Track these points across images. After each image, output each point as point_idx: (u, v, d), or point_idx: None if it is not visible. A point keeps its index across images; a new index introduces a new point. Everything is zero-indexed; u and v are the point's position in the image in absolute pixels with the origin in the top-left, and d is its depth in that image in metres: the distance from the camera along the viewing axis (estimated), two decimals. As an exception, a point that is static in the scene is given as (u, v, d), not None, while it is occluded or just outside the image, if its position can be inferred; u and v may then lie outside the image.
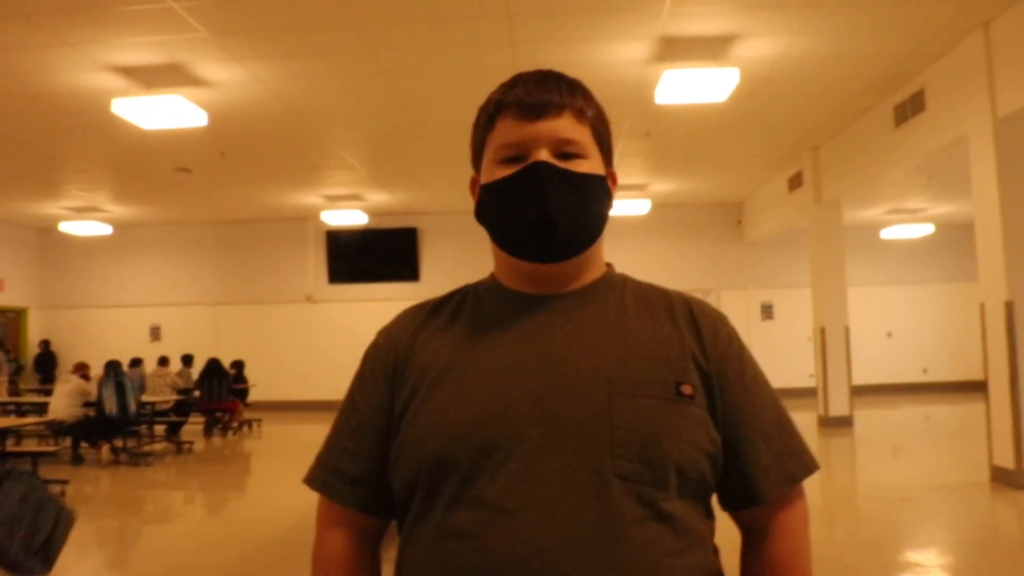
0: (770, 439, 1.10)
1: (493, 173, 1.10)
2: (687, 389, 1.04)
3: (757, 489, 1.08)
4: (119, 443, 9.52)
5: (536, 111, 1.07)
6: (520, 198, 1.07)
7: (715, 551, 1.08)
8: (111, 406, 9.11)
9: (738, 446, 1.08)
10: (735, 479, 1.09)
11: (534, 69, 1.14)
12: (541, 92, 1.08)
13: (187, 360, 13.07)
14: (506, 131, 1.09)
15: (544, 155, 1.06)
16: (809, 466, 1.12)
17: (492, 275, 1.20)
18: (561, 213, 1.06)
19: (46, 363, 15.40)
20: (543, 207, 1.05)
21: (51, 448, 8.95)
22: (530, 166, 1.06)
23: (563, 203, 1.06)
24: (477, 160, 1.17)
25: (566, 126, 1.08)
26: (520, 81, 1.11)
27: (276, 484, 8.29)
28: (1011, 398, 6.50)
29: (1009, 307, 6.50)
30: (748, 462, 1.08)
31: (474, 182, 1.19)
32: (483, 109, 1.14)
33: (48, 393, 11.75)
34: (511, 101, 1.09)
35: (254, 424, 12.95)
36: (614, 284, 1.16)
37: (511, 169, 1.08)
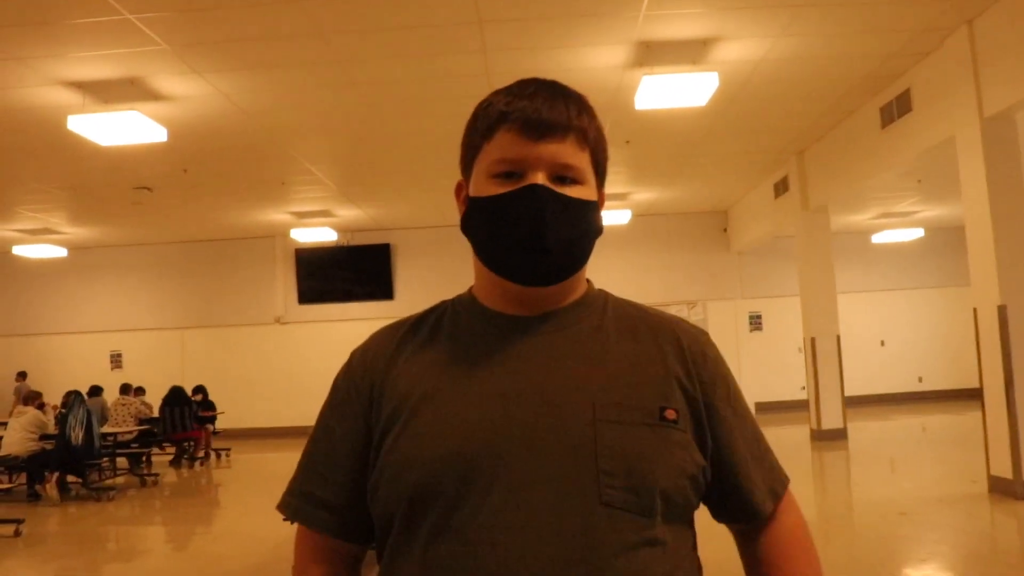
0: (757, 457, 1.15)
1: (486, 187, 1.09)
2: (671, 414, 1.05)
3: (752, 504, 1.13)
4: (73, 478, 9.23)
5: (540, 131, 1.06)
6: (513, 220, 1.06)
7: (699, 569, 1.11)
8: (78, 435, 8.82)
9: (731, 464, 1.11)
10: (730, 496, 1.12)
11: (540, 79, 1.12)
12: (548, 110, 1.06)
13: (139, 391, 12.58)
14: (505, 145, 1.07)
15: (541, 178, 1.06)
16: (785, 482, 1.19)
17: (470, 291, 1.18)
18: (554, 239, 1.06)
19: None
20: (537, 232, 1.05)
21: (5, 485, 8.57)
22: (527, 188, 1.05)
23: (556, 229, 1.06)
24: (467, 165, 1.14)
25: (568, 151, 1.07)
26: (527, 92, 1.09)
27: (246, 516, 8.14)
28: (1007, 405, 6.45)
29: (1002, 311, 6.47)
30: (743, 479, 1.12)
31: (460, 187, 1.17)
32: (484, 113, 1.11)
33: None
34: (515, 115, 1.07)
35: (223, 453, 12.76)
36: (595, 304, 1.16)
37: (505, 186, 1.07)
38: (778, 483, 1.16)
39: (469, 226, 1.12)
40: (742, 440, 1.12)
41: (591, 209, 1.10)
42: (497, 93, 1.12)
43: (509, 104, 1.08)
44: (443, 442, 1.02)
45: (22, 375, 14.97)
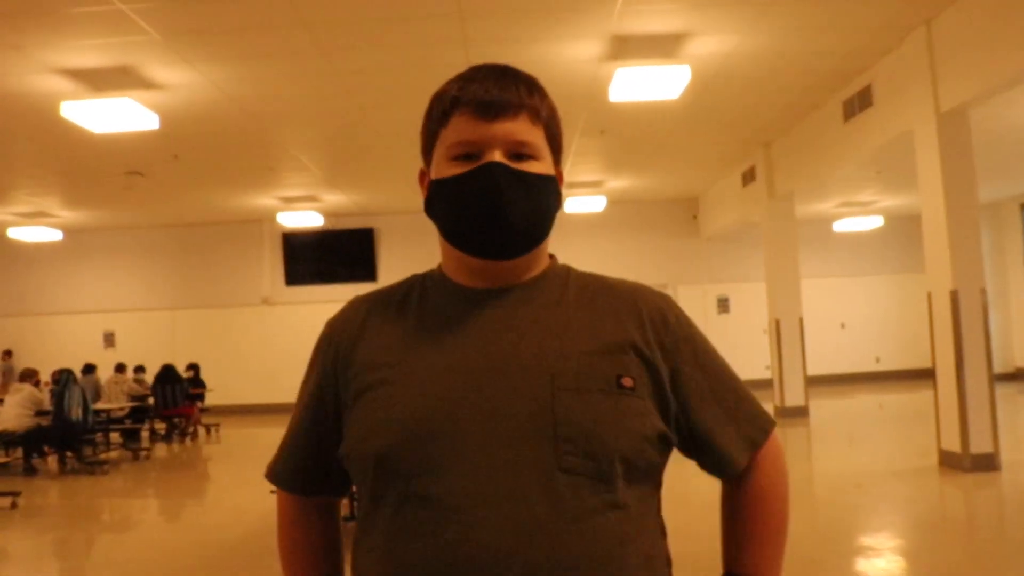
0: (730, 411, 1.14)
1: (446, 169, 1.10)
2: (627, 382, 1.05)
3: (728, 460, 1.13)
4: (70, 454, 9.33)
5: (493, 111, 1.07)
6: (473, 197, 1.07)
7: (663, 532, 1.11)
8: (78, 411, 8.92)
9: (702, 425, 1.11)
10: (705, 455, 1.14)
11: (490, 63, 1.14)
12: (499, 91, 1.08)
13: (139, 369, 12.80)
14: (461, 129, 1.08)
15: (498, 156, 1.07)
16: (767, 428, 1.17)
17: (439, 267, 1.19)
18: (513, 213, 1.06)
19: None
20: (495, 207, 1.06)
21: (2, 460, 8.70)
22: (484, 166, 1.06)
23: (515, 203, 1.06)
24: (427, 152, 1.16)
25: (522, 128, 1.08)
26: (477, 77, 1.10)
27: (235, 488, 8.21)
28: (957, 384, 6.65)
29: (954, 296, 6.65)
30: (714, 439, 1.12)
31: (423, 174, 1.19)
32: (437, 101, 1.13)
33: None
34: (468, 99, 1.08)
35: (212, 429, 12.80)
36: (557, 277, 1.16)
37: (463, 167, 1.08)
38: (757, 431, 1.15)
39: (432, 208, 1.14)
40: (712, 398, 1.12)
41: (548, 182, 1.11)
42: (450, 81, 1.13)
43: (461, 89, 1.09)
44: (405, 411, 1.03)
45: (7, 354, 14.94)
